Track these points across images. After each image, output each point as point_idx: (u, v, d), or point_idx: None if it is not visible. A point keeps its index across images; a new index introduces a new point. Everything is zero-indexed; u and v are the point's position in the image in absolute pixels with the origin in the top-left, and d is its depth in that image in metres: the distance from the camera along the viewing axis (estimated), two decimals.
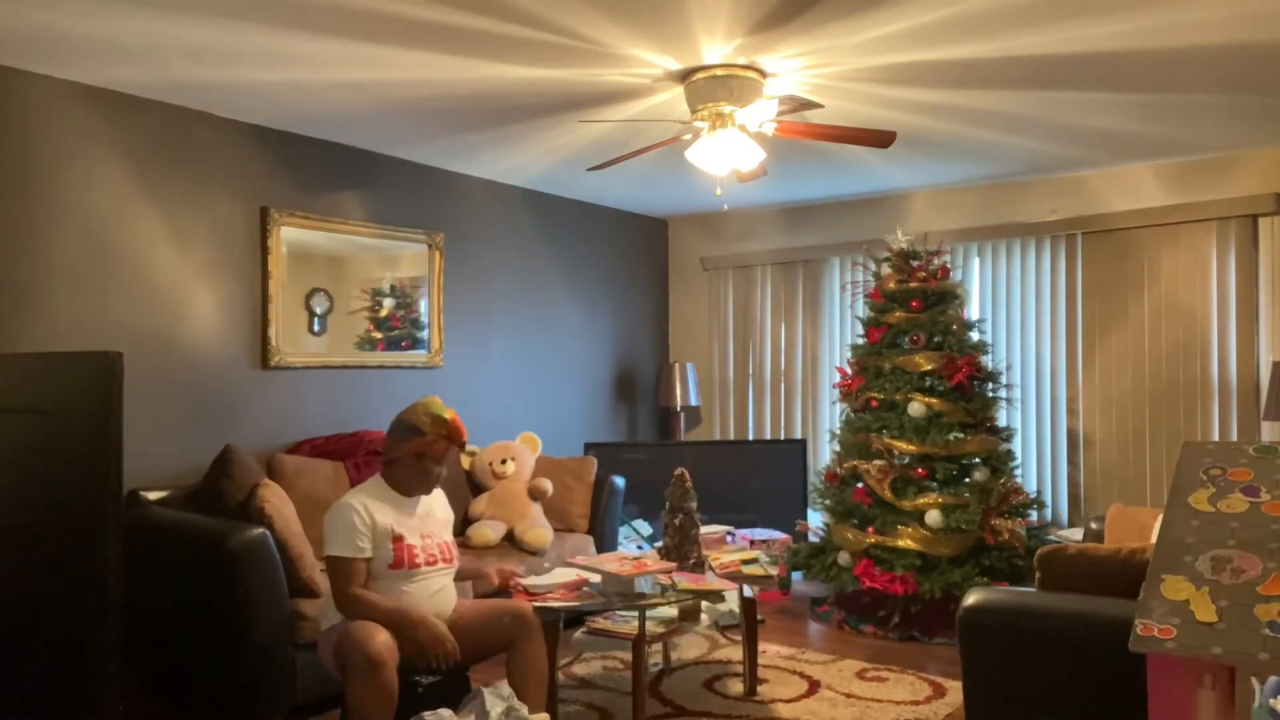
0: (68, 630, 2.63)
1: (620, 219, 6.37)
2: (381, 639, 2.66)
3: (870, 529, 4.50)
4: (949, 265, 4.88)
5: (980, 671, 2.36)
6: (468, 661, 2.99)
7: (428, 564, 2.94)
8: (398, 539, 2.90)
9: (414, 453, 2.95)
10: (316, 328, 4.46)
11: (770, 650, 4.16)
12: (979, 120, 4.16)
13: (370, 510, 2.89)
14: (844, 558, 4.58)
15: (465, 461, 4.72)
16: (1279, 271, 4.68)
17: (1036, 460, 5.38)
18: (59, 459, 2.65)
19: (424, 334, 4.96)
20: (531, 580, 3.32)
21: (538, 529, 4.41)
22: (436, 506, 3.12)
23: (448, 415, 2.98)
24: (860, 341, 4.89)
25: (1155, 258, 5.01)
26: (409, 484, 2.99)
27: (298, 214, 4.32)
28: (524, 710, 2.77)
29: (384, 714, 2.63)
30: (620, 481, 4.91)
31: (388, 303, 4.80)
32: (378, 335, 4.74)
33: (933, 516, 4.35)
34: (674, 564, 3.46)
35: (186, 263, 3.94)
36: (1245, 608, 1.56)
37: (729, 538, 4.91)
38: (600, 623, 3.38)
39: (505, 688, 2.84)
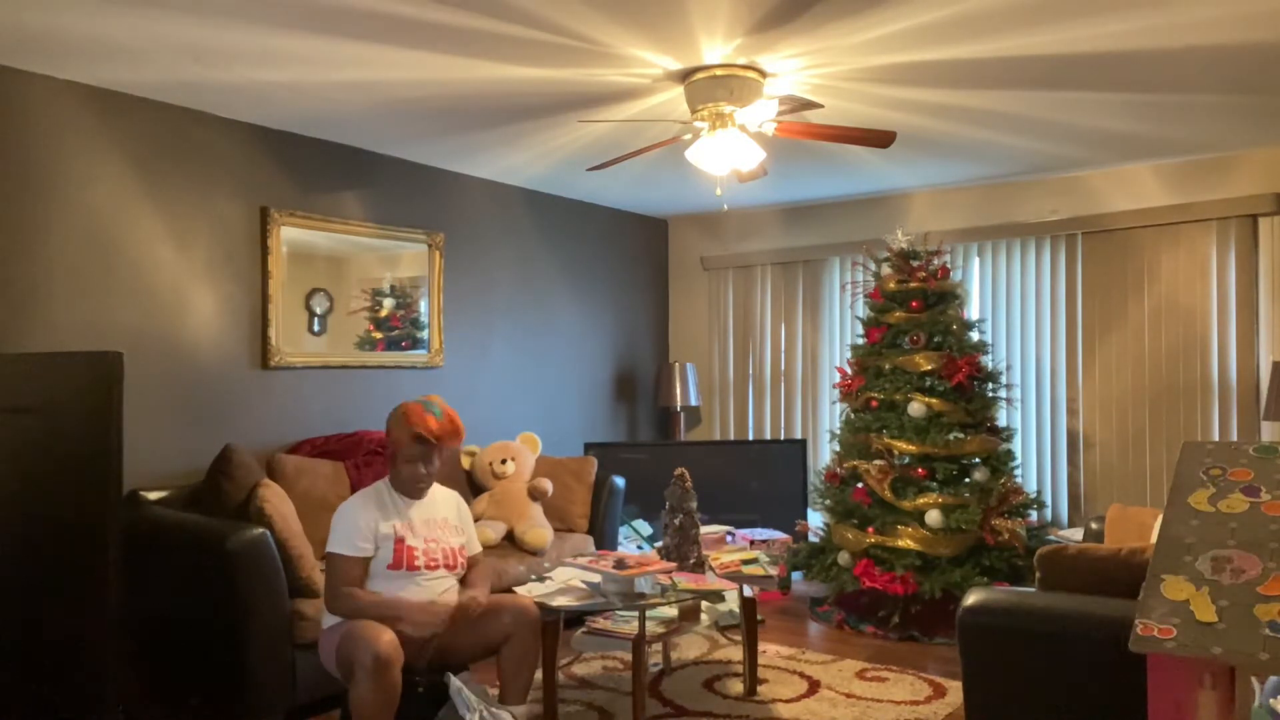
0: (67, 630, 2.63)
1: (620, 219, 6.37)
2: (388, 638, 2.66)
3: (870, 529, 4.50)
4: (949, 265, 4.87)
5: (980, 671, 2.36)
6: (469, 659, 2.99)
7: (428, 567, 2.94)
8: (399, 540, 2.91)
9: (392, 456, 2.99)
10: (316, 328, 4.46)
11: (770, 650, 4.16)
12: (979, 120, 4.16)
13: (375, 511, 2.92)
14: (844, 558, 4.57)
15: (465, 461, 4.73)
16: (1279, 271, 4.68)
17: (1036, 460, 5.38)
18: (59, 459, 2.65)
19: (424, 334, 4.96)
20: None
21: (538, 529, 4.40)
22: (449, 512, 3.11)
23: (401, 411, 2.97)
24: (860, 341, 4.89)
25: (1155, 258, 5.01)
26: (404, 486, 3.00)
27: (298, 214, 4.32)
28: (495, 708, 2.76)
29: (385, 714, 2.63)
30: (620, 481, 4.91)
31: (388, 303, 4.80)
32: (378, 335, 4.74)
33: (933, 516, 4.35)
34: (674, 564, 3.46)
35: (186, 263, 3.94)
36: (1245, 608, 1.56)
37: (729, 538, 4.92)
38: (600, 623, 3.39)
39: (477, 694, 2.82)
